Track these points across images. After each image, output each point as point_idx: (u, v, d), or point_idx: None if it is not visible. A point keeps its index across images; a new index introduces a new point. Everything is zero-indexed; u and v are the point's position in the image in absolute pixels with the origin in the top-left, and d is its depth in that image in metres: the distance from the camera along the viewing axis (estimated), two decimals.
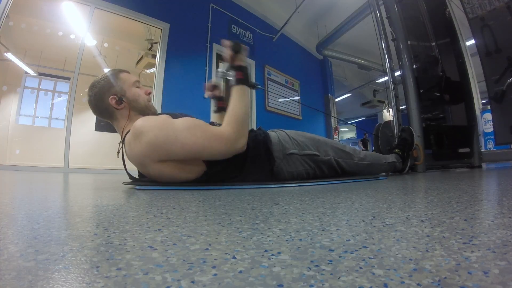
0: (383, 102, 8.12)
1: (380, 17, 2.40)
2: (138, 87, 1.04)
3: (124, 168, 1.04)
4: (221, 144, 0.89)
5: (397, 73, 2.37)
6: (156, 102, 3.52)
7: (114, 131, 1.07)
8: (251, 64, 4.96)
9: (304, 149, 1.14)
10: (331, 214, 0.43)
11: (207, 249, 0.26)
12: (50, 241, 0.29)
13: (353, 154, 1.30)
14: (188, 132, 0.87)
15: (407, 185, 0.99)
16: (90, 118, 4.34)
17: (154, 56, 4.54)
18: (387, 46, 2.34)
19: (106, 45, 4.38)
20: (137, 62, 4.91)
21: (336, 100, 7.68)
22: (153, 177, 0.97)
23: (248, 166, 1.02)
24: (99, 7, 3.39)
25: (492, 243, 0.26)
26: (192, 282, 0.18)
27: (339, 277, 0.19)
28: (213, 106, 1.41)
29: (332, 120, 6.88)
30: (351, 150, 1.32)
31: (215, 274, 0.20)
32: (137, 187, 0.94)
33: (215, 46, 4.29)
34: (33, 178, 1.74)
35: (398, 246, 0.26)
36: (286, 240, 0.29)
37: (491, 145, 3.50)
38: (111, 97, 0.98)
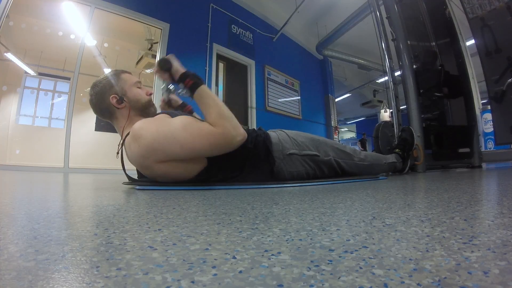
0: (383, 102, 8.13)
1: (380, 17, 2.40)
2: (139, 87, 1.05)
3: (122, 169, 1.04)
4: (221, 139, 0.88)
5: (397, 73, 2.36)
6: (156, 102, 3.51)
7: (114, 131, 1.07)
8: (251, 64, 4.96)
9: (304, 149, 1.14)
10: (331, 214, 0.43)
11: (207, 249, 0.26)
12: (50, 241, 0.29)
13: (353, 154, 1.30)
14: (186, 131, 0.87)
15: (407, 185, 0.99)
16: (90, 118, 4.34)
17: (154, 56, 4.54)
18: (387, 46, 2.34)
19: (106, 45, 4.37)
20: (137, 62, 4.91)
21: (336, 100, 7.68)
22: (154, 178, 0.97)
23: (248, 166, 1.02)
24: (99, 7, 3.39)
25: (492, 243, 0.26)
26: (192, 282, 0.18)
27: (339, 277, 0.19)
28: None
29: (332, 120, 6.88)
30: (351, 151, 1.32)
31: (215, 274, 0.20)
32: (137, 187, 0.94)
33: (215, 46, 4.29)
34: (33, 178, 1.74)
35: (398, 246, 0.26)
36: (286, 240, 0.29)
37: (491, 145, 3.49)
38: (112, 96, 0.98)
